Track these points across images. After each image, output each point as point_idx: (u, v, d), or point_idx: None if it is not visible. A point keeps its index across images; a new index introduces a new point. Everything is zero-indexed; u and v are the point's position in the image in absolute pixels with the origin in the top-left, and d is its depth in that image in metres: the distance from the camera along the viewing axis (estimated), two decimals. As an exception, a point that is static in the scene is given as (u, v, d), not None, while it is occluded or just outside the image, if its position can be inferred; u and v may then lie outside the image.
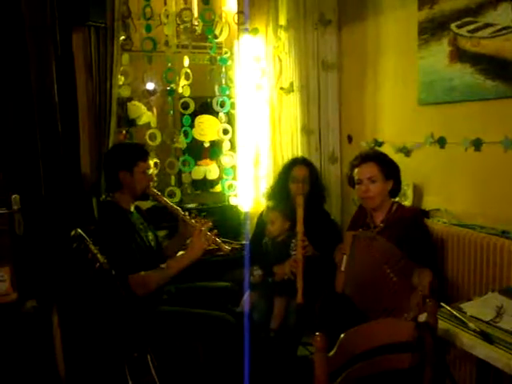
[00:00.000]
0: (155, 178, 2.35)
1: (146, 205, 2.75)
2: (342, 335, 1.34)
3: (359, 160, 2.25)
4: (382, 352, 1.45)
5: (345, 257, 2.16)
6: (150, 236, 2.36)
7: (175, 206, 2.35)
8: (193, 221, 2.26)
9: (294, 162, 2.70)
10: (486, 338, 1.44)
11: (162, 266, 2.16)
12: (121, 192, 2.24)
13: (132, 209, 2.30)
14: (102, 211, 2.43)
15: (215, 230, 2.24)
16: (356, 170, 2.24)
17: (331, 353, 1.29)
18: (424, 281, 1.89)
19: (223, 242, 2.36)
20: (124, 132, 3.14)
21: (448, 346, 1.98)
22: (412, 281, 1.91)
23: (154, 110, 3.44)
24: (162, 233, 2.85)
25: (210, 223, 2.24)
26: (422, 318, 1.52)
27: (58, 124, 2.44)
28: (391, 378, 1.77)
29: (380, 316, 1.92)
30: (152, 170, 2.31)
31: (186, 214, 2.32)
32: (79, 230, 1.82)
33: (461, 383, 2.17)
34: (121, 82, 3.05)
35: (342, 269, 2.17)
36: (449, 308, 1.65)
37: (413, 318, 1.85)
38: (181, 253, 2.56)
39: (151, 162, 2.31)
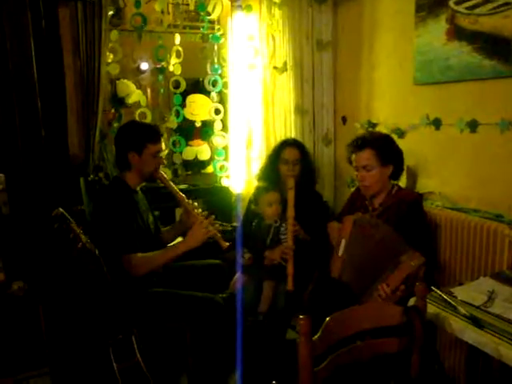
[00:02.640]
0: (165, 162, 2.28)
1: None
2: (328, 318, 1.30)
3: (355, 146, 2.16)
4: (370, 336, 1.42)
5: (343, 241, 2.09)
6: (150, 219, 2.33)
7: (181, 193, 2.30)
8: (195, 211, 2.22)
9: (285, 144, 2.64)
10: (476, 322, 1.42)
11: (158, 252, 2.13)
12: (129, 171, 2.20)
13: (138, 188, 2.28)
14: (107, 188, 2.41)
15: (217, 225, 2.20)
16: (353, 156, 2.17)
17: (316, 336, 1.25)
18: (412, 261, 1.84)
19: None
20: (112, 111, 3.07)
21: (438, 331, 1.97)
22: (400, 258, 1.87)
23: (148, 89, 3.37)
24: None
25: (213, 216, 2.19)
26: (411, 301, 1.49)
27: (38, 101, 2.37)
28: (379, 363, 1.75)
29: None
30: (163, 154, 2.25)
31: (191, 201, 2.28)
32: (61, 210, 1.77)
33: (450, 369, 2.15)
34: (109, 60, 2.97)
35: (340, 254, 2.09)
36: (439, 292, 1.62)
37: (392, 291, 1.81)
38: (179, 239, 2.53)
39: (163, 146, 2.24)
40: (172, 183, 2.35)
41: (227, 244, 2.18)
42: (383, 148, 2.13)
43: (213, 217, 2.19)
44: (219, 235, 2.19)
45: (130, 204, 2.15)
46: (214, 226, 2.17)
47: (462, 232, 2.12)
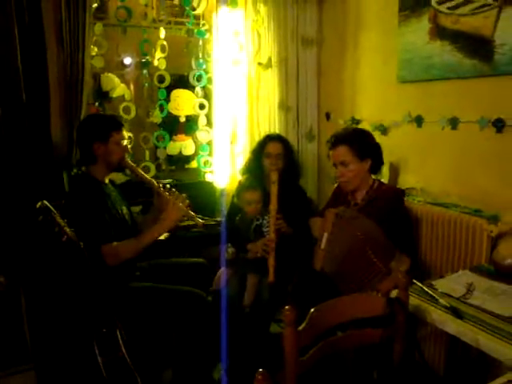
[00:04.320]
0: (130, 151, 2.28)
1: (118, 180, 2.69)
2: (312, 309, 1.33)
3: (331, 143, 2.19)
4: (353, 327, 1.45)
5: (325, 234, 2.10)
6: (125, 210, 2.32)
7: (150, 179, 2.30)
8: (167, 193, 2.23)
9: (268, 138, 2.66)
10: (456, 313, 1.46)
11: (133, 238, 2.12)
12: (95, 164, 2.19)
13: (106, 181, 2.26)
14: (75, 182, 2.38)
15: (187, 201, 2.20)
16: (330, 153, 2.21)
17: (301, 327, 1.27)
18: (401, 267, 1.87)
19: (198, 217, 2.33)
20: (96, 104, 3.05)
21: (419, 323, 2.01)
22: (390, 265, 1.90)
23: (132, 83, 3.35)
24: (136, 208, 2.79)
25: (184, 194, 2.20)
26: (394, 293, 1.52)
27: (22, 94, 2.34)
28: (362, 353, 1.78)
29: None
30: (127, 142, 2.26)
31: (161, 186, 2.28)
32: (45, 202, 1.75)
33: (430, 359, 2.20)
34: (94, 53, 2.95)
35: (322, 247, 2.10)
36: (420, 284, 1.66)
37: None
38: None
39: (125, 134, 2.26)
40: (140, 170, 2.34)
41: (202, 221, 2.21)
42: (358, 143, 2.15)
43: (184, 195, 2.19)
44: (193, 213, 2.20)
45: (99, 195, 2.14)
46: (185, 203, 2.18)
47: (442, 226, 2.17)
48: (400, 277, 1.78)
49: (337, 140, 2.17)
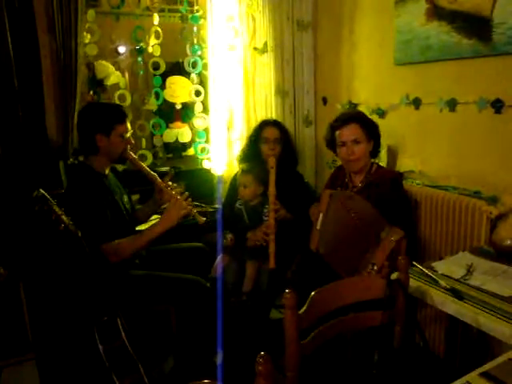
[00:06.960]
0: (133, 141, 2.22)
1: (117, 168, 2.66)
2: (313, 293, 1.32)
3: (341, 122, 2.19)
4: (354, 309, 1.45)
5: (321, 215, 2.12)
6: (125, 198, 2.30)
7: (152, 173, 2.26)
8: (169, 189, 2.19)
9: (264, 123, 2.65)
10: (456, 294, 1.46)
11: (134, 236, 2.10)
12: (96, 155, 2.13)
13: (107, 172, 2.21)
14: (74, 175, 2.30)
15: (190, 199, 2.17)
16: (338, 133, 2.19)
17: (302, 310, 1.27)
18: (392, 236, 1.85)
19: (196, 206, 2.31)
20: (91, 93, 3.01)
21: (419, 305, 2.01)
22: (380, 235, 1.88)
23: (126, 71, 3.31)
24: (134, 197, 2.78)
25: (187, 193, 2.16)
26: (394, 275, 1.52)
27: (15, 81, 2.31)
28: (362, 335, 1.79)
29: (351, 274, 1.90)
30: (130, 133, 2.19)
31: (166, 180, 2.25)
32: (42, 191, 1.74)
33: (430, 341, 2.21)
34: (87, 41, 2.91)
35: (318, 227, 2.13)
36: (420, 266, 1.66)
37: (378, 270, 1.83)
38: (155, 217, 2.51)
39: (129, 125, 2.19)
40: (142, 163, 2.30)
41: (204, 219, 2.18)
42: (367, 123, 2.18)
43: (186, 194, 2.16)
44: (195, 211, 2.17)
45: (101, 192, 2.09)
46: (188, 201, 2.14)
47: (441, 209, 2.17)
48: (392, 239, 1.79)
49: (349, 118, 2.19)
